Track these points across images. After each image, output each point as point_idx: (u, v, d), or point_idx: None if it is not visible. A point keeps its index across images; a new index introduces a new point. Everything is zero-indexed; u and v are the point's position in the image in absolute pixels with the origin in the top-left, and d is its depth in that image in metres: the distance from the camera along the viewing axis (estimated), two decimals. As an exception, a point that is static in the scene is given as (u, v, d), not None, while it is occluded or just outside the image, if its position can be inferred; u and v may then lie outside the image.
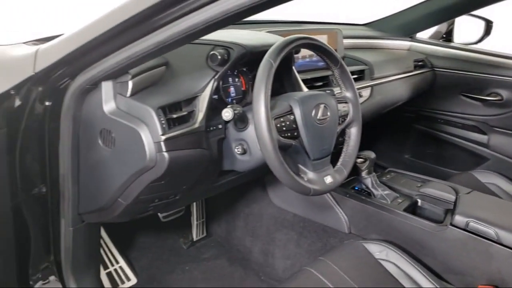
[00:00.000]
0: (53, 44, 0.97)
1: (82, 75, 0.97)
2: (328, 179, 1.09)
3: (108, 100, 0.99)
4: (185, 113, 1.01)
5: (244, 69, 1.24)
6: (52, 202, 1.18)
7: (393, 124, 2.45)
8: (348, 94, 1.21)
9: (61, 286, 1.26)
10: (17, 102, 1.03)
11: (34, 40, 1.13)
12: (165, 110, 0.98)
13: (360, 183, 1.52)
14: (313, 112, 1.07)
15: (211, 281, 1.71)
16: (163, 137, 0.94)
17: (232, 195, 1.94)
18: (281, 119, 1.02)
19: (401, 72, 2.02)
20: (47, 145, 1.11)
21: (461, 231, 1.24)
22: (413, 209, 1.45)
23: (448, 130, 2.30)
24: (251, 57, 1.13)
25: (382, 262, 1.23)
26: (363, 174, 1.47)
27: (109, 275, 1.64)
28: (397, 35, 2.31)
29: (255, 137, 0.97)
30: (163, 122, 0.95)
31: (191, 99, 1.05)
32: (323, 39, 1.69)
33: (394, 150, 2.47)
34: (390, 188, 1.51)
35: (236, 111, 1.01)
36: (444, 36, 2.32)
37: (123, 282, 1.64)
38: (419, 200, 1.45)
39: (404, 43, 2.32)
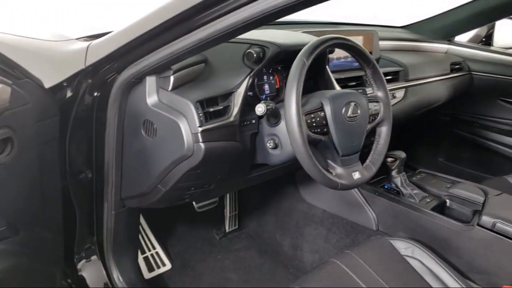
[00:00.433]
0: (103, 41, 1.05)
1: (128, 70, 1.04)
2: (356, 175, 1.12)
3: (151, 93, 1.06)
4: (221, 107, 1.07)
5: (279, 67, 1.29)
6: (97, 187, 1.26)
7: (427, 127, 2.44)
8: (380, 94, 1.23)
9: (101, 266, 1.34)
10: (69, 93, 1.12)
11: (85, 37, 1.21)
12: (203, 104, 1.04)
13: (389, 182, 1.54)
14: (343, 109, 1.10)
15: (241, 271, 1.77)
16: (200, 129, 1.00)
17: (264, 190, 1.99)
18: (312, 115, 1.06)
19: (437, 74, 2.01)
20: (94, 134, 1.19)
21: (488, 231, 1.25)
22: (441, 209, 1.45)
23: (484, 135, 2.27)
24: (285, 56, 1.17)
25: (408, 259, 1.25)
26: (393, 173, 1.49)
27: (146, 259, 1.73)
28: (435, 38, 2.30)
29: (286, 132, 1.01)
30: (200, 115, 1.01)
31: (227, 95, 1.10)
32: (358, 40, 1.71)
33: (428, 152, 2.45)
34: (420, 188, 1.52)
35: (268, 107, 1.06)
36: (484, 39, 2.29)
37: (158, 267, 1.72)
38: (447, 200, 1.46)
39: (442, 46, 2.30)
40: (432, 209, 1.40)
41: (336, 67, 1.59)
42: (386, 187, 1.57)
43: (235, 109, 1.10)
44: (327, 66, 1.36)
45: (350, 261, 1.19)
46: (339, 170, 1.11)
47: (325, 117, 1.08)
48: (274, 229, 1.92)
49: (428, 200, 1.46)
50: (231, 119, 1.08)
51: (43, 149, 1.02)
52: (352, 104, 1.12)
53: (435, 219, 1.36)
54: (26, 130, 0.93)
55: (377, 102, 1.23)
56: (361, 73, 1.59)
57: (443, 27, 2.26)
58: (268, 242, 1.93)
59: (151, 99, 1.06)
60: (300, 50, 1.04)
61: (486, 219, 1.26)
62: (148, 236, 1.80)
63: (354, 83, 1.54)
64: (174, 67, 1.03)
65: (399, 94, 1.74)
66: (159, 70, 1.03)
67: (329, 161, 1.12)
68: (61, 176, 1.18)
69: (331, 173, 1.10)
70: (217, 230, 2.00)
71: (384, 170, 1.55)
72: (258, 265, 1.82)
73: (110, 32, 1.05)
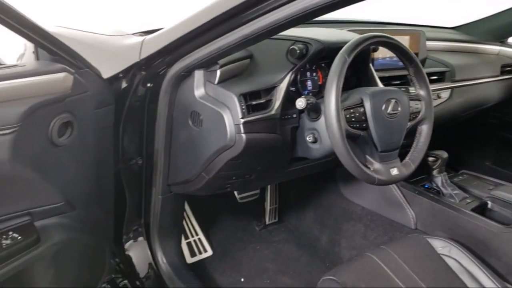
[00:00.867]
0: (156, 36, 1.12)
1: (178, 63, 1.11)
2: (394, 171, 1.13)
3: (199, 86, 1.12)
4: (263, 101, 1.11)
5: (322, 64, 1.31)
6: (146, 173, 1.34)
7: (474, 128, 2.37)
8: (422, 92, 1.23)
9: (147, 247, 1.42)
10: (124, 84, 1.20)
11: (141, 32, 1.28)
12: (246, 97, 1.08)
13: (430, 182, 1.53)
14: (384, 106, 1.11)
15: (279, 262, 1.81)
16: (242, 120, 1.05)
17: (305, 186, 2.02)
18: (351, 111, 1.08)
19: (486, 76, 1.96)
20: (145, 123, 1.27)
21: (529, 234, 1.22)
22: (481, 210, 1.43)
23: (535, 139, 2.18)
24: (328, 53, 1.19)
25: (444, 258, 1.24)
26: (434, 172, 1.48)
27: (189, 244, 1.80)
28: (487, 39, 2.23)
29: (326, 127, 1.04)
30: (243, 107, 1.06)
31: (270, 89, 1.14)
32: (405, 40, 1.70)
33: (473, 154, 2.38)
34: (461, 188, 1.50)
35: (309, 101, 1.08)
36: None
37: (200, 253, 1.79)
38: (489, 202, 1.43)
39: (493, 48, 2.23)
40: (472, 210, 1.38)
41: (382, 66, 1.59)
42: (426, 186, 1.55)
43: (277, 103, 1.14)
44: (370, 64, 1.37)
45: (385, 256, 1.19)
46: (377, 165, 1.12)
47: (364, 113, 1.09)
48: (313, 224, 1.94)
49: (469, 200, 1.44)
50: (273, 112, 1.12)
51: (99, 135, 1.10)
52: (393, 101, 1.12)
53: (474, 220, 1.34)
54: (85, 116, 1.01)
55: (418, 100, 1.22)
56: (405, 72, 1.58)
57: (495, 28, 2.19)
58: (306, 236, 1.96)
59: (199, 91, 1.12)
60: (342, 47, 1.07)
61: (528, 222, 1.24)
62: (192, 223, 1.88)
63: (398, 82, 1.54)
64: (221, 61, 1.08)
65: (445, 94, 1.71)
66: (207, 64, 1.09)
67: (368, 157, 1.13)
68: (114, 162, 1.26)
69: (369, 168, 1.11)
70: (257, 222, 2.04)
71: (425, 170, 1.54)
72: (296, 258, 1.85)
73: (162, 28, 1.12)
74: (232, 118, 1.06)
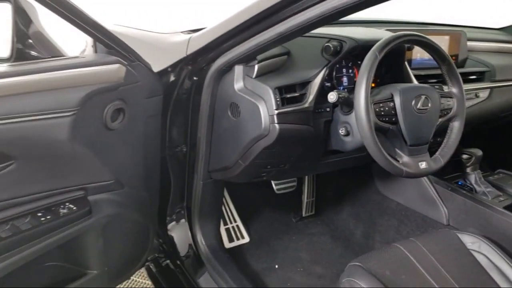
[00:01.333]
0: (201, 33, 1.20)
1: (220, 59, 1.19)
2: (423, 165, 1.15)
3: (238, 79, 1.19)
4: (297, 94, 1.17)
5: (359, 61, 1.34)
6: (189, 160, 1.43)
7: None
8: (454, 90, 1.24)
9: (188, 229, 1.51)
10: (172, 78, 1.30)
11: (189, 30, 1.37)
12: (281, 90, 1.15)
13: (464, 179, 1.52)
14: (413, 101, 1.13)
15: (313, 252, 1.85)
16: (276, 111, 1.11)
17: (342, 181, 2.05)
18: (381, 105, 1.11)
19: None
20: (190, 114, 1.36)
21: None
22: (515, 208, 1.41)
23: None
24: (362, 50, 1.22)
25: (473, 253, 1.23)
26: (468, 170, 1.48)
27: (227, 230, 1.88)
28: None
29: None
30: (278, 99, 1.12)
31: (305, 84, 1.20)
32: (444, 40, 1.70)
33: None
34: (495, 187, 1.48)
35: (340, 95, 1.13)
36: None
37: (238, 239, 1.87)
38: (522, 200, 1.41)
39: (541, 49, 2.15)
40: (505, 208, 1.36)
41: (419, 65, 1.60)
42: (460, 183, 1.55)
43: (311, 97, 1.19)
44: (405, 62, 1.39)
45: (412, 248, 1.21)
46: (406, 158, 1.14)
47: (394, 107, 1.12)
48: (348, 218, 1.97)
49: (502, 198, 1.42)
50: (306, 105, 1.18)
51: (147, 122, 1.20)
52: (423, 97, 1.14)
53: (507, 217, 1.32)
54: (135, 104, 1.10)
55: (450, 97, 1.23)
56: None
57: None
58: (341, 229, 1.99)
59: (238, 84, 1.19)
60: None
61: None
62: (231, 211, 1.95)
63: (434, 80, 1.54)
64: (259, 57, 1.15)
65: (483, 94, 1.69)
66: (246, 59, 1.16)
67: (397, 150, 1.15)
68: (161, 148, 1.35)
69: (398, 161, 1.13)
70: (294, 214, 2.09)
71: (459, 168, 1.53)
72: (330, 249, 1.88)
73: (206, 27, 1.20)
74: (267, 109, 1.12)
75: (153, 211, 1.34)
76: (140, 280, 1.81)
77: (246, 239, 1.88)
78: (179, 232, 1.52)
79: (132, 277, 1.79)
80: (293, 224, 2.05)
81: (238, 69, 1.19)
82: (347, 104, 1.18)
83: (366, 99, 1.04)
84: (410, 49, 1.39)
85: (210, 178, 1.43)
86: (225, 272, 1.42)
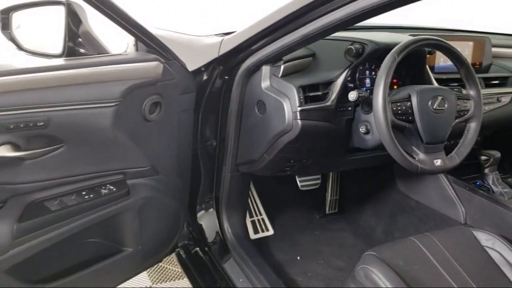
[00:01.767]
0: (232, 36, 1.28)
1: (249, 59, 1.26)
2: (438, 163, 1.18)
3: (265, 79, 1.26)
4: (320, 93, 1.23)
5: (381, 64, 1.38)
6: (219, 153, 1.50)
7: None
8: (472, 92, 1.27)
9: (216, 218, 1.59)
10: (205, 76, 1.38)
11: (221, 33, 1.44)
12: (305, 89, 1.21)
13: (482, 180, 1.53)
14: (430, 102, 1.17)
15: (334, 247, 1.89)
16: (299, 108, 1.17)
17: (364, 180, 2.08)
18: (398, 104, 1.15)
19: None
20: (220, 110, 1.43)
21: None
22: (531, 208, 1.41)
23: None
24: (384, 53, 1.26)
25: (487, 249, 1.24)
26: (486, 171, 1.49)
27: (253, 222, 1.95)
28: None
29: None
30: (301, 97, 1.18)
31: (328, 83, 1.25)
32: (468, 45, 1.72)
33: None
34: (512, 188, 1.49)
35: (360, 95, 1.18)
36: None
37: (262, 231, 1.93)
38: (539, 201, 1.41)
39: None
40: (521, 208, 1.37)
41: (442, 69, 1.62)
42: (478, 184, 1.56)
43: (333, 96, 1.24)
44: (426, 66, 1.42)
45: (426, 241, 1.23)
46: (421, 156, 1.18)
47: (411, 107, 1.16)
48: (369, 216, 2.00)
49: (518, 199, 1.43)
50: (328, 103, 1.23)
51: (182, 116, 1.28)
52: (439, 98, 1.18)
53: (523, 217, 1.33)
54: (171, 98, 1.18)
55: (468, 99, 1.26)
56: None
57: None
58: (363, 226, 2.02)
59: (265, 83, 1.26)
60: None
61: None
62: (257, 204, 2.02)
63: (456, 84, 1.56)
64: (285, 58, 1.22)
65: (505, 99, 1.69)
66: (273, 60, 1.23)
67: (413, 147, 1.19)
68: (193, 142, 1.43)
69: (414, 158, 1.17)
70: (317, 211, 2.14)
71: (477, 169, 1.55)
72: (351, 245, 1.92)
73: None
74: (290, 106, 1.19)
75: (184, 198, 1.42)
76: (171, 268, 1.90)
77: (271, 231, 1.94)
78: (207, 221, 1.60)
79: (163, 265, 1.89)
80: (316, 220, 2.10)
81: (265, 69, 1.26)
82: (367, 103, 1.22)
83: (384, 98, 1.08)
84: (431, 53, 1.42)
85: (237, 171, 1.50)
86: (249, 259, 1.48)
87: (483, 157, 1.48)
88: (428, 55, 1.41)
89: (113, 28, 1.05)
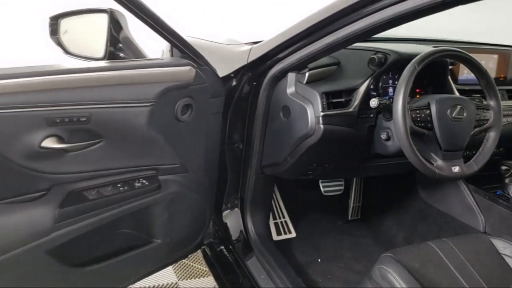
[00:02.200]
0: (260, 44, 1.34)
1: (276, 67, 1.31)
2: (456, 169, 1.19)
3: (290, 85, 1.31)
4: (343, 100, 1.27)
5: None
6: (245, 155, 1.55)
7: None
8: (492, 103, 1.28)
9: (240, 217, 1.63)
10: (234, 82, 1.44)
11: (251, 42, 1.50)
12: (328, 95, 1.25)
13: (502, 190, 1.52)
14: (449, 110, 1.19)
15: (355, 251, 1.90)
16: (322, 113, 1.21)
17: (387, 188, 2.08)
18: (417, 111, 1.18)
19: None
20: (248, 114, 1.48)
21: None
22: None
23: None
24: (406, 63, 1.29)
25: (504, 257, 1.24)
26: (506, 181, 1.48)
27: (276, 224, 1.98)
28: None
29: None
30: (324, 103, 1.22)
31: (351, 91, 1.29)
32: (493, 58, 1.72)
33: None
34: (534, 198, 1.47)
35: (381, 102, 1.21)
36: None
37: (285, 233, 1.96)
38: (559, 212, 1.39)
39: None
40: (540, 218, 1.35)
41: (465, 81, 1.63)
42: (498, 193, 1.55)
43: (355, 103, 1.28)
44: (448, 77, 1.43)
45: (444, 247, 1.23)
46: (440, 162, 1.19)
47: (430, 115, 1.18)
48: (391, 223, 2.00)
49: (538, 209, 1.41)
50: (351, 110, 1.27)
51: (211, 119, 1.33)
52: (458, 107, 1.19)
53: (541, 227, 1.31)
54: (201, 101, 1.24)
55: (488, 110, 1.27)
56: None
57: None
58: (385, 234, 2.02)
59: (290, 89, 1.30)
60: None
61: None
62: (280, 207, 2.05)
63: (478, 95, 1.56)
64: (310, 65, 1.27)
65: (528, 111, 1.67)
66: (298, 67, 1.27)
67: (432, 154, 1.21)
68: (221, 143, 1.49)
69: (432, 164, 1.19)
70: (340, 216, 2.15)
71: (498, 179, 1.54)
72: (372, 251, 1.92)
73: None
74: (313, 111, 1.23)
75: (210, 196, 1.47)
76: (197, 266, 1.96)
77: (293, 234, 1.97)
78: (232, 220, 1.64)
79: (189, 262, 1.95)
80: (339, 226, 2.12)
81: (291, 76, 1.30)
82: (389, 110, 1.25)
83: (404, 105, 1.11)
84: (453, 64, 1.44)
85: (262, 173, 1.55)
86: (271, 258, 1.52)
87: (503, 167, 1.48)
88: (450, 66, 1.43)
89: (150, 35, 1.12)
